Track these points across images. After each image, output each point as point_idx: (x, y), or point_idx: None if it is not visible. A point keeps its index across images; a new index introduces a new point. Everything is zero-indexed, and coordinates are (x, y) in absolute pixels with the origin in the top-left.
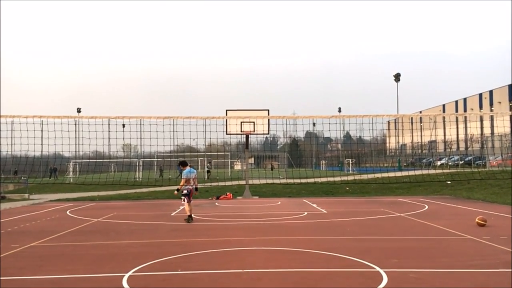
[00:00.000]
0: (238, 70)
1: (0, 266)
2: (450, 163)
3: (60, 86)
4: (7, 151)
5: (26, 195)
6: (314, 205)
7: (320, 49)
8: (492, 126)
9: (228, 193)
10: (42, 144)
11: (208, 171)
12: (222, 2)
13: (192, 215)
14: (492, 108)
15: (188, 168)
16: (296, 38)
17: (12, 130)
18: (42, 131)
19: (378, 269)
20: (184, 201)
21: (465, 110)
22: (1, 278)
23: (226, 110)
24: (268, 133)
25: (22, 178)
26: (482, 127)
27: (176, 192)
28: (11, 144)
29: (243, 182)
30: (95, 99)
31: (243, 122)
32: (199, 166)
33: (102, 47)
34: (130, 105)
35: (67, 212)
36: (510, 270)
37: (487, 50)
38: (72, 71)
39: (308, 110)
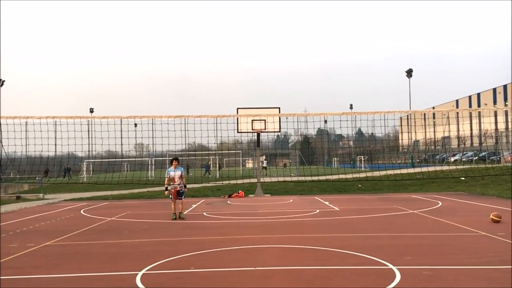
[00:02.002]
0: (248, 70)
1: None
2: (464, 159)
3: (71, 87)
4: (22, 152)
5: (41, 195)
6: (326, 203)
7: (329, 48)
8: (506, 121)
9: (240, 191)
10: (55, 145)
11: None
12: (233, 3)
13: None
14: (506, 103)
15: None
16: (306, 37)
17: (26, 131)
18: (55, 131)
19: (391, 266)
20: (183, 198)
21: (479, 105)
22: (17, 277)
23: (237, 109)
24: (280, 131)
25: (37, 178)
26: (496, 122)
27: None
28: (26, 145)
29: (254, 180)
30: (106, 100)
31: (254, 120)
32: (211, 164)
33: (112, 48)
34: (142, 105)
35: (81, 212)
36: None
37: (500, 46)
38: (82, 72)
39: (319, 108)
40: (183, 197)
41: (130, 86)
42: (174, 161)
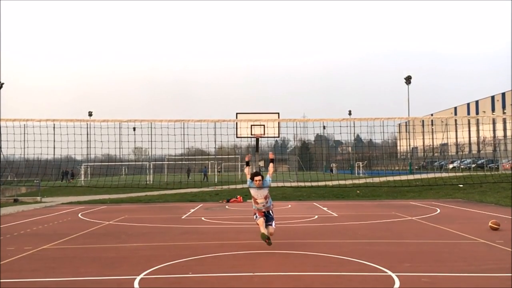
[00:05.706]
0: (246, 72)
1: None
2: (462, 166)
3: (68, 89)
4: (20, 155)
5: (38, 198)
6: (325, 209)
7: (329, 52)
8: (504, 129)
9: (238, 196)
10: (54, 148)
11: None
12: (232, 3)
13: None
14: (505, 111)
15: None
16: (305, 39)
17: (25, 133)
18: (54, 134)
19: (390, 273)
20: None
21: (477, 113)
22: (15, 280)
23: (237, 113)
24: (279, 136)
25: (35, 181)
26: (494, 130)
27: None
28: (24, 148)
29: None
30: (104, 102)
31: (254, 125)
32: (209, 169)
33: (109, 49)
34: (140, 108)
35: (79, 215)
36: None
37: (499, 50)
38: (80, 74)
39: (318, 112)
40: (273, 223)
41: (128, 88)
42: (256, 178)
